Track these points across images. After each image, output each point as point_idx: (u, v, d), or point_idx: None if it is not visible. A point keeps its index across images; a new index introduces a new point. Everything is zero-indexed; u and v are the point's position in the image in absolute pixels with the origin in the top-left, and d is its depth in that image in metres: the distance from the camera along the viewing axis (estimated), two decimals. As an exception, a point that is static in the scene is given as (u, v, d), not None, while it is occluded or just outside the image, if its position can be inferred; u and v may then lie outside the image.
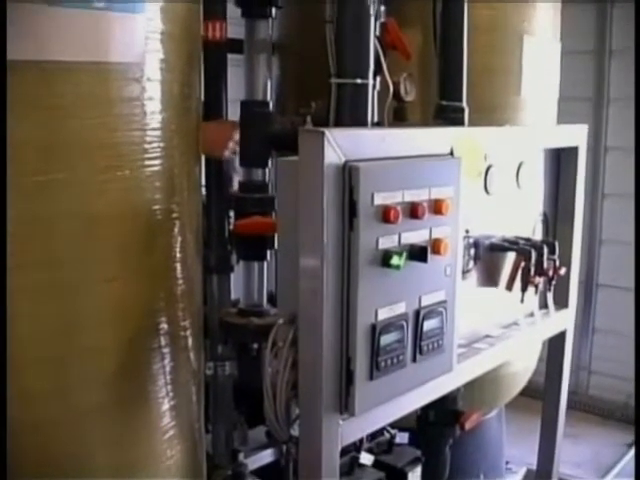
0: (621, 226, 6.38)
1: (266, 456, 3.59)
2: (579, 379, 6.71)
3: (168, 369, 2.36)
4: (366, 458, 2.50)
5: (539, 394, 3.56)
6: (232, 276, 3.09)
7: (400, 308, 2.14)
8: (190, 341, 2.48)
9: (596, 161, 6.39)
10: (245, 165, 3.04)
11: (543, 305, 3.05)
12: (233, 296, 3.17)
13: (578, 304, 3.42)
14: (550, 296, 3.00)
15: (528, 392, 4.69)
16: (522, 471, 5.02)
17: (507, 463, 4.96)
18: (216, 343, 2.95)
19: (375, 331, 2.06)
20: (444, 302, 2.29)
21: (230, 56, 3.15)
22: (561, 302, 3.17)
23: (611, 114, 6.39)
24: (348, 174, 1.95)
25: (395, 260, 2.04)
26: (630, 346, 6.20)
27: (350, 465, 2.41)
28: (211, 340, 2.92)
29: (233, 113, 3.04)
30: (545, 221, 3.11)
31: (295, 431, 2.19)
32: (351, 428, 2.15)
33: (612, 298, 6.53)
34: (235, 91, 3.14)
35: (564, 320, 3.23)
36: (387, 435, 2.67)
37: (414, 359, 2.22)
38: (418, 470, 2.56)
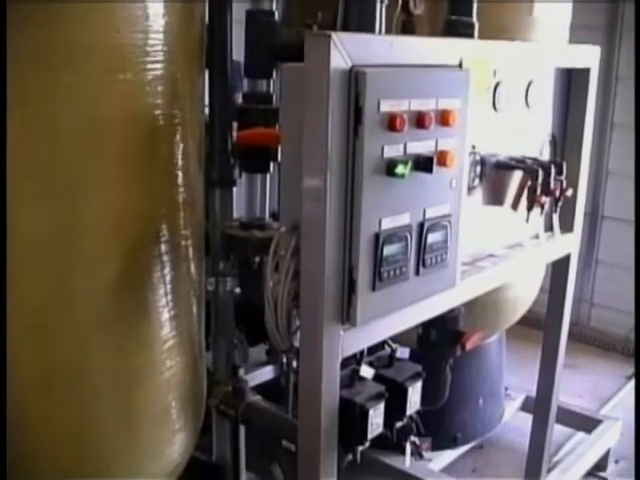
0: (629, 158, 6.30)
1: (266, 373, 3.63)
2: (581, 311, 6.71)
3: (168, 278, 2.35)
4: (366, 371, 2.49)
5: (540, 324, 3.56)
6: (235, 194, 3.06)
7: (404, 219, 2.12)
8: (191, 251, 2.47)
9: (607, 90, 6.30)
10: (249, 76, 2.99)
11: (548, 227, 3.03)
12: (236, 214, 3.15)
13: (582, 236, 3.40)
14: (556, 218, 2.98)
15: (529, 322, 4.70)
16: (521, 397, 5.05)
17: (506, 389, 4.99)
18: (218, 259, 2.93)
19: (378, 241, 2.05)
20: (449, 216, 2.27)
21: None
22: (566, 226, 3.15)
23: (624, 42, 6.28)
24: (354, 79, 1.91)
25: (400, 169, 2.01)
26: (633, 280, 6.21)
27: (350, 377, 2.41)
28: (213, 255, 2.90)
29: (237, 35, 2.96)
30: (553, 142, 3.07)
31: (296, 342, 2.18)
32: (352, 339, 2.14)
33: (617, 230, 6.49)
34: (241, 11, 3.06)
35: (569, 244, 3.22)
36: (388, 349, 2.66)
37: (417, 272, 2.21)
38: (418, 385, 2.56)
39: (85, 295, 2.20)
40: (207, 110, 2.73)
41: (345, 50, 1.89)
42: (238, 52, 2.89)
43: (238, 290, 3.02)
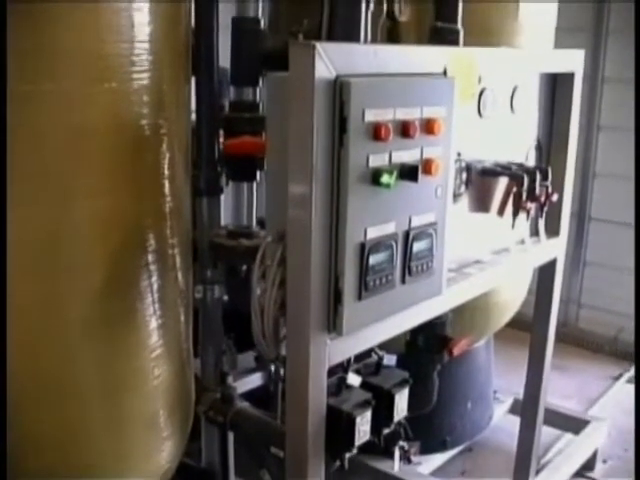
0: (615, 159, 6.34)
1: (255, 380, 3.63)
2: (569, 312, 6.73)
3: (156, 287, 2.36)
4: (353, 379, 2.50)
5: (528, 326, 3.57)
6: (222, 202, 3.06)
7: (390, 228, 2.12)
8: (178, 260, 2.47)
9: (593, 92, 6.32)
10: (236, 84, 3.00)
11: (534, 232, 3.04)
12: (223, 222, 3.15)
13: (570, 237, 3.42)
14: (542, 223, 2.99)
15: (517, 324, 4.71)
16: (509, 401, 5.06)
17: (495, 392, 5.01)
18: (205, 266, 2.94)
19: (364, 250, 2.05)
20: (434, 224, 2.27)
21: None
22: (552, 230, 3.16)
23: (610, 44, 6.30)
24: (339, 89, 1.92)
25: (385, 178, 2.01)
26: (621, 280, 6.23)
27: (337, 386, 2.41)
28: (200, 263, 2.90)
29: (224, 39, 2.96)
30: (539, 148, 3.08)
31: (283, 351, 2.19)
32: (339, 348, 2.15)
33: (604, 231, 6.51)
34: (227, 17, 3.06)
35: (555, 248, 3.23)
36: (375, 357, 2.67)
37: (403, 280, 2.21)
38: (405, 392, 2.56)
39: (72, 303, 2.20)
40: (194, 116, 2.74)
41: (330, 60, 1.89)
42: (225, 58, 2.90)
43: (226, 297, 3.03)
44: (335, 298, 2.05)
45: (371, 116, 1.98)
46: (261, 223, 3.19)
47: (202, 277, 2.95)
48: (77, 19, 2.02)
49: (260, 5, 3.06)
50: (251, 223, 3.17)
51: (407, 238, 2.19)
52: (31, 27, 1.97)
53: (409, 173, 2.09)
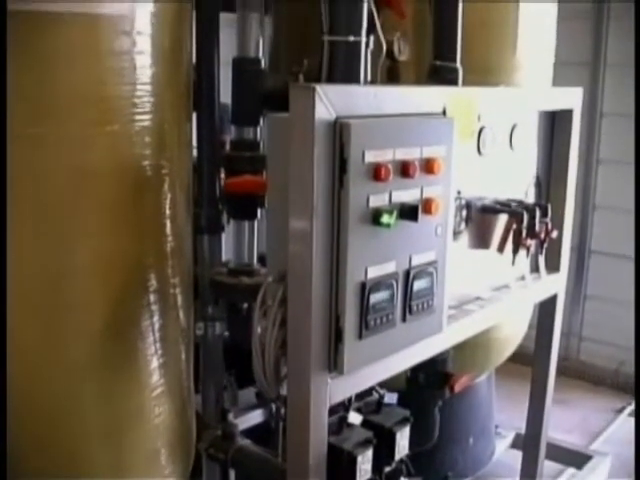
0: (615, 192, 6.38)
1: (256, 416, 3.62)
2: (570, 345, 6.74)
3: (157, 326, 2.36)
4: (355, 418, 2.50)
5: (529, 360, 3.57)
6: (223, 237, 3.07)
7: (390, 267, 2.13)
8: (180, 299, 2.48)
9: (591, 126, 6.36)
10: (237, 123, 3.02)
11: (534, 268, 3.05)
12: (224, 257, 3.16)
13: (570, 270, 3.42)
14: (542, 259, 3.00)
15: (518, 358, 4.71)
16: (511, 435, 5.05)
17: (497, 427, 5.00)
18: (207, 303, 2.94)
19: (365, 289, 2.06)
20: (434, 262, 2.28)
21: (223, 16, 3.11)
22: (553, 266, 3.17)
23: (608, 79, 6.36)
24: (339, 131, 1.93)
25: (385, 218, 2.02)
26: (622, 313, 6.23)
27: (338, 424, 2.41)
28: (202, 300, 2.91)
29: (225, 78, 2.99)
30: (538, 184, 3.10)
31: (284, 390, 2.19)
32: (339, 387, 2.14)
33: (605, 265, 6.54)
34: (228, 53, 3.10)
35: (555, 284, 3.23)
36: (376, 395, 2.67)
37: (404, 319, 2.22)
38: (406, 430, 2.56)
39: (73, 343, 2.20)
40: (195, 152, 2.76)
41: (329, 102, 1.91)
42: (225, 93, 2.93)
43: (227, 333, 3.03)
44: (336, 337, 2.05)
45: (371, 157, 1.99)
46: (262, 259, 3.20)
47: (203, 314, 2.96)
48: (79, 62, 2.04)
49: (261, 44, 3.09)
50: (252, 259, 3.18)
51: (408, 277, 2.19)
52: (33, 70, 1.99)
53: (409, 213, 2.10)
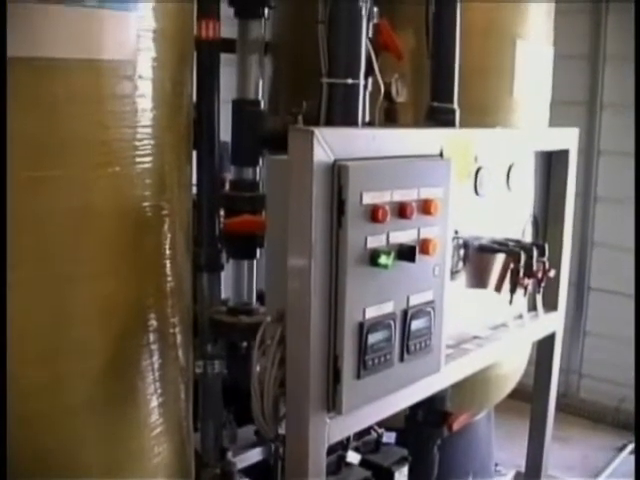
0: (613, 229, 6.41)
1: (255, 455, 3.60)
2: (570, 382, 6.73)
3: (157, 366, 2.37)
4: (353, 457, 2.50)
5: (529, 397, 3.57)
6: (222, 274, 3.09)
7: (388, 307, 2.15)
8: (179, 338, 2.49)
9: (589, 164, 6.41)
10: (236, 163, 3.05)
11: (532, 307, 3.06)
12: (223, 294, 3.17)
13: (569, 307, 3.44)
14: (539, 298, 3.01)
15: (518, 395, 4.70)
16: (511, 473, 5.04)
17: (496, 465, 4.98)
18: (206, 341, 2.94)
19: (363, 329, 2.08)
20: (432, 302, 2.30)
21: (223, 55, 3.15)
22: (550, 304, 3.18)
23: (604, 118, 6.41)
24: (337, 173, 1.96)
25: (383, 259, 2.05)
26: (621, 350, 6.23)
27: (337, 464, 2.42)
28: (201, 338, 2.92)
29: (225, 116, 3.03)
30: (535, 223, 3.12)
31: (283, 429, 2.20)
32: (338, 426, 2.16)
33: (603, 301, 6.55)
34: (228, 91, 3.14)
35: (553, 322, 3.24)
36: (374, 434, 2.67)
37: (402, 358, 2.23)
38: (405, 470, 2.57)
39: (74, 385, 2.21)
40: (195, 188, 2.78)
41: (328, 145, 1.94)
42: (225, 131, 2.96)
43: (226, 370, 3.03)
44: (334, 377, 2.06)
45: (369, 198, 2.02)
46: (261, 297, 3.21)
47: (202, 352, 2.96)
48: (82, 106, 2.06)
49: (260, 84, 3.13)
50: (251, 297, 3.19)
51: (405, 317, 2.21)
52: (37, 114, 2.02)
53: (407, 254, 2.13)
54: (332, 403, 2.08)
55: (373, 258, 2.05)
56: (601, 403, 6.55)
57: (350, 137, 2.05)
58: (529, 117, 3.99)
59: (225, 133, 2.96)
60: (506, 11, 3.82)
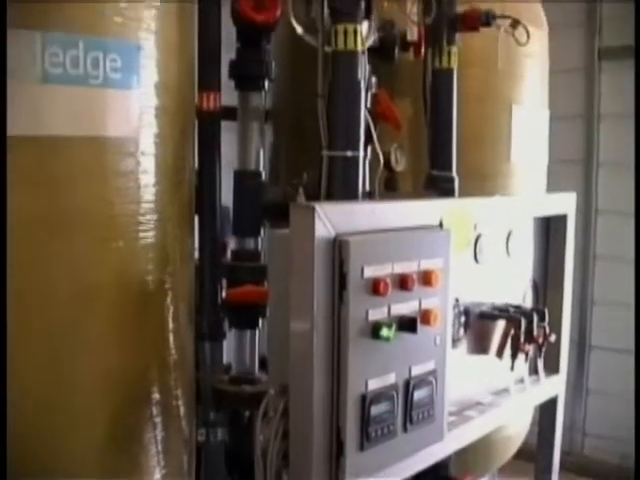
0: (613, 287, 6.42)
1: (258, 524, 3.57)
2: (573, 440, 6.68)
3: (160, 438, 2.37)
4: (357, 528, 2.49)
5: (532, 457, 3.55)
6: (224, 340, 3.10)
7: (390, 379, 2.16)
8: (182, 410, 2.50)
9: (587, 223, 6.44)
10: (238, 234, 3.08)
11: (533, 371, 3.06)
12: (225, 360, 3.18)
13: (571, 365, 3.43)
14: (540, 363, 3.01)
15: (522, 455, 4.66)
16: (516, 536, 4.99)
17: (501, 527, 4.93)
18: (208, 409, 2.95)
19: (365, 401, 2.08)
20: (434, 371, 2.31)
21: (223, 122, 3.19)
22: (552, 367, 3.17)
23: (601, 177, 6.46)
24: (338, 248, 1.98)
25: (385, 332, 2.06)
26: (624, 407, 6.19)
27: (341, 535, 2.40)
28: (203, 406, 2.92)
29: (226, 179, 3.06)
30: (535, 288, 3.14)
31: (286, 501, 2.19)
32: (342, 499, 2.15)
33: (605, 359, 6.54)
34: (228, 154, 3.17)
35: (555, 386, 3.24)
36: (378, 504, 2.66)
37: (404, 429, 2.23)
38: (410, 537, 2.55)
39: (77, 455, 2.21)
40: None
41: (329, 220, 1.96)
42: (227, 195, 2.99)
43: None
44: (337, 450, 2.06)
45: (370, 272, 2.04)
46: (263, 362, 3.22)
47: (205, 420, 2.96)
48: (86, 183, 2.11)
49: (261, 153, 3.17)
50: (253, 365, 3.20)
51: (408, 387, 2.21)
52: (42, 191, 2.06)
53: (408, 325, 2.14)
54: (335, 476, 2.08)
55: (375, 331, 2.06)
56: (605, 461, 6.50)
57: (351, 212, 2.07)
58: (527, 181, 4.04)
59: (227, 196, 2.99)
60: (502, 78, 3.87)
